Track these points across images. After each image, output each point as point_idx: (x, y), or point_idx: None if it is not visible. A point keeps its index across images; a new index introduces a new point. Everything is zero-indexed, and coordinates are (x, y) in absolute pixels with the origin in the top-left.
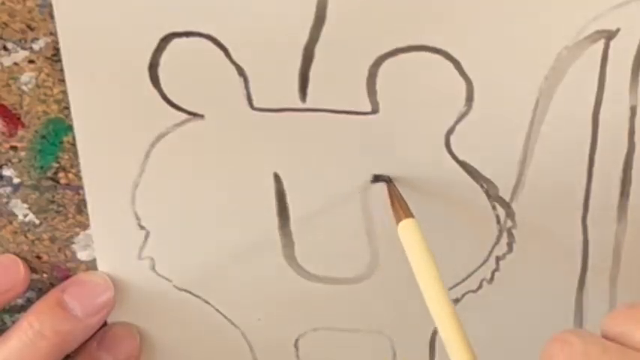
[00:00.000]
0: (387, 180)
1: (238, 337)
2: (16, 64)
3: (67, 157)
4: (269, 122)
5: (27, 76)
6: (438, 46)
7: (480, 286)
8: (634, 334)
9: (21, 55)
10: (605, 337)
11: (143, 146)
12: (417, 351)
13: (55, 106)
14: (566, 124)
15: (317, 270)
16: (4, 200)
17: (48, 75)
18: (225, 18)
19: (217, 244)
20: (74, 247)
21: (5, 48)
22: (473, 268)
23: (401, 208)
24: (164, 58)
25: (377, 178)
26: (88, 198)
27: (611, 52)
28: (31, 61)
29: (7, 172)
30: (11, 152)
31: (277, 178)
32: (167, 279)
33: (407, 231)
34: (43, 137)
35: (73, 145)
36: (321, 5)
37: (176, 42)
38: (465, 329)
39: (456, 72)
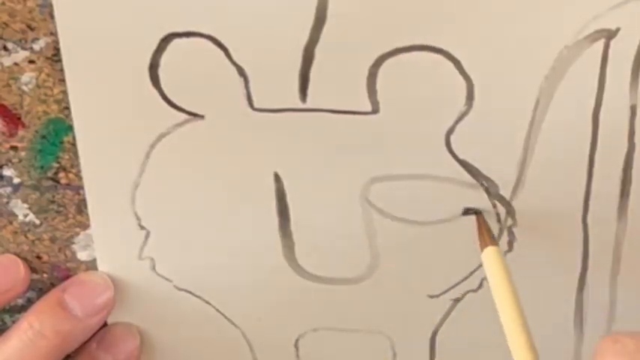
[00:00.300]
0: (477, 212)
1: (238, 337)
2: (16, 64)
3: (67, 157)
4: (269, 122)
5: (27, 76)
6: (439, 45)
7: (480, 286)
8: None
9: (21, 55)
10: None
11: (143, 146)
12: (417, 351)
13: (55, 106)
14: (566, 124)
15: (317, 270)
16: (5, 200)
17: (48, 75)
18: (226, 18)
19: (217, 244)
20: (74, 247)
21: (5, 48)
22: (473, 267)
23: (487, 237)
24: (164, 59)
25: (467, 211)
26: (89, 198)
27: (611, 51)
28: (31, 61)
29: (7, 172)
30: (11, 152)
31: (277, 178)
32: (167, 279)
33: (490, 258)
34: (44, 137)
35: (74, 145)
36: (321, 6)
37: (176, 42)
38: None
39: (456, 71)
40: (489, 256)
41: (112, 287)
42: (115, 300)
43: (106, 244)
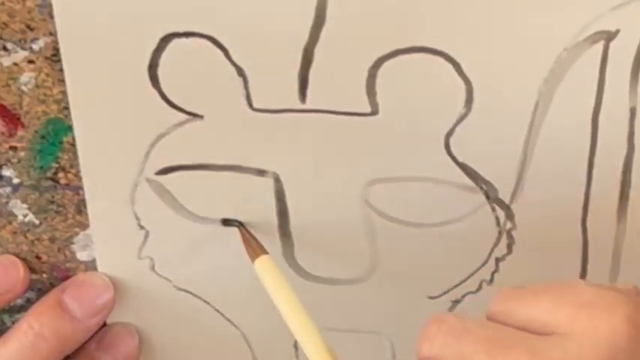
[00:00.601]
0: (238, 224)
1: (238, 337)
2: (15, 64)
3: (66, 157)
4: (268, 123)
5: (26, 77)
6: (438, 47)
7: (479, 287)
8: (513, 312)
9: (20, 55)
10: (489, 317)
11: (143, 146)
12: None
13: (54, 106)
14: (565, 126)
15: (316, 271)
16: (4, 200)
17: (47, 75)
18: (225, 18)
19: (217, 245)
20: (74, 247)
21: (5, 48)
22: (472, 270)
23: (257, 247)
24: (164, 59)
25: (226, 223)
26: (88, 198)
27: (610, 53)
28: (30, 62)
29: (6, 172)
30: (11, 152)
31: (277, 179)
32: (167, 279)
33: (264, 268)
34: (43, 137)
35: (73, 145)
36: (320, 6)
37: (176, 42)
38: None
39: (455, 73)
40: (263, 265)
41: (111, 288)
42: (115, 300)
43: (106, 244)
